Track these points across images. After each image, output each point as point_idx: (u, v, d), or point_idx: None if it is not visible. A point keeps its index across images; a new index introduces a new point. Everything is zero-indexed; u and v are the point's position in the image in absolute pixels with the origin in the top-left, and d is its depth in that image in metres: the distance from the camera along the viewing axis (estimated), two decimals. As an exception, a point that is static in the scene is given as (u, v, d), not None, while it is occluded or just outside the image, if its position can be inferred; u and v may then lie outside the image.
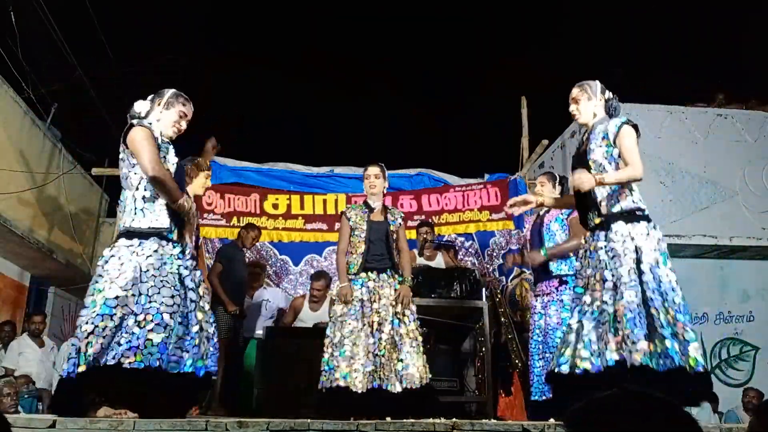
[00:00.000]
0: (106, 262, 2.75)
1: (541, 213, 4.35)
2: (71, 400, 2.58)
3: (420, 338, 3.78)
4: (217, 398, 4.84)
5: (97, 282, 2.72)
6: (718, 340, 6.65)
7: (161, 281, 2.72)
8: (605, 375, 2.73)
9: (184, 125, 3.05)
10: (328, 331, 3.78)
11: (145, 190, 2.85)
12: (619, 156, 2.98)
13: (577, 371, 2.87)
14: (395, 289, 3.82)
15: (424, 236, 5.38)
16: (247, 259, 5.71)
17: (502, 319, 5.10)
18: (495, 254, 6.32)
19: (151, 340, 2.60)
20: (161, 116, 2.99)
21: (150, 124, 2.93)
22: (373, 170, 4.02)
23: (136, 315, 2.63)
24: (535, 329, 4.15)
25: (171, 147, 3.01)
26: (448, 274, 4.90)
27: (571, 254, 3.99)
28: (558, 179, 4.30)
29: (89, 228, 8.30)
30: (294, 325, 5.34)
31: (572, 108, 3.18)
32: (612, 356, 2.74)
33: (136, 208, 2.83)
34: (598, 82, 3.18)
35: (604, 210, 3.02)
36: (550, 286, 4.10)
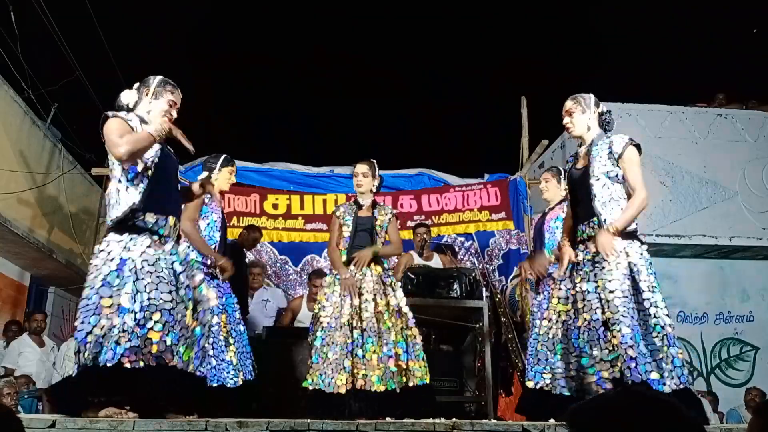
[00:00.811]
0: (97, 258, 2.69)
1: (546, 211, 4.34)
2: (70, 400, 2.57)
3: (411, 332, 3.70)
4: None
5: (89, 281, 2.68)
6: (718, 340, 6.65)
7: (158, 278, 2.68)
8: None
9: (174, 114, 2.95)
10: (310, 334, 3.74)
11: (128, 180, 2.76)
12: (623, 177, 3.01)
13: (560, 391, 2.96)
14: (382, 281, 3.75)
15: (423, 237, 5.38)
16: (247, 260, 5.70)
17: (502, 319, 5.09)
18: (495, 254, 6.31)
19: (151, 339, 2.58)
20: (150, 107, 2.89)
21: (125, 114, 2.82)
22: (361, 168, 3.95)
23: (135, 313, 2.60)
24: (533, 329, 4.15)
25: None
26: (447, 274, 4.89)
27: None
28: (562, 173, 4.27)
29: (89, 228, 8.28)
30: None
31: (566, 120, 3.19)
32: (604, 374, 2.77)
33: (125, 203, 2.74)
34: (592, 95, 3.19)
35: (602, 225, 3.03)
36: (544, 285, 4.11)
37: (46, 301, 8.44)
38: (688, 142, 6.78)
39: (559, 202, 4.25)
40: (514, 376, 5.02)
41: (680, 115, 6.89)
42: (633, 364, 2.71)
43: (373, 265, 3.79)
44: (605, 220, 2.98)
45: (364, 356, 3.53)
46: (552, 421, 2.75)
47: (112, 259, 2.66)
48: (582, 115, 3.13)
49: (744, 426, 2.89)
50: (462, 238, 6.39)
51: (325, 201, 6.50)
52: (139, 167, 2.78)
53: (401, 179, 6.74)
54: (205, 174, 4.05)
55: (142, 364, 2.55)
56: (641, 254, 2.94)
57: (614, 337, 2.79)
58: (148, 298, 2.63)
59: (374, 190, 4.01)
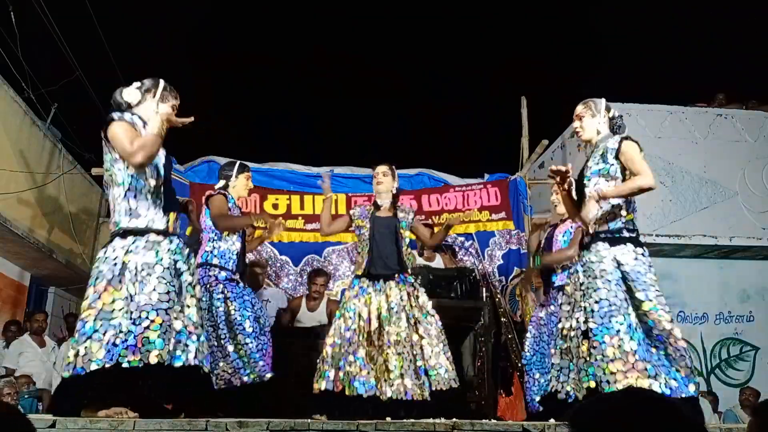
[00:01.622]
0: (102, 261, 2.73)
1: (557, 223, 4.34)
2: (70, 401, 2.57)
3: (437, 338, 3.66)
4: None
5: (92, 283, 2.71)
6: (718, 340, 6.65)
7: (156, 278, 2.69)
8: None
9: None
10: (327, 336, 3.75)
11: (131, 185, 2.78)
12: (624, 170, 2.97)
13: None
14: (407, 294, 3.70)
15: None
16: (247, 260, 5.70)
17: (502, 319, 5.10)
18: (495, 254, 6.32)
19: (148, 337, 2.59)
20: (158, 109, 2.90)
21: (129, 116, 2.83)
22: (381, 168, 3.97)
23: (131, 313, 2.61)
24: (530, 338, 4.20)
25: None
26: (448, 274, 4.89)
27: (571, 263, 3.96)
28: (573, 185, 4.27)
29: (89, 228, 8.29)
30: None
31: (576, 124, 3.18)
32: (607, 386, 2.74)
33: (130, 209, 2.77)
34: (603, 99, 3.17)
35: (591, 229, 3.01)
36: (551, 298, 4.13)
37: (46, 301, 8.44)
38: (688, 142, 6.78)
39: None
40: (514, 376, 5.03)
41: (680, 115, 6.89)
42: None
43: (399, 277, 3.77)
44: (594, 223, 2.99)
45: (381, 361, 3.53)
46: (552, 421, 2.75)
47: (115, 264, 2.70)
48: (592, 119, 3.13)
49: (742, 426, 2.90)
50: (462, 238, 6.39)
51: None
52: (147, 175, 2.81)
53: (401, 179, 6.66)
54: (222, 183, 4.09)
55: (140, 363, 2.55)
56: (636, 257, 2.88)
57: (593, 347, 2.77)
58: (146, 299, 2.65)
59: (394, 191, 4.00)
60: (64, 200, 7.50)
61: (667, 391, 2.67)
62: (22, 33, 6.59)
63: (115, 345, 2.56)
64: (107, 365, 2.53)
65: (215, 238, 3.89)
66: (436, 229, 6.23)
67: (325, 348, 3.69)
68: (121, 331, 2.58)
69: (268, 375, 3.79)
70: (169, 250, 2.80)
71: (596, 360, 2.75)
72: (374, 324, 3.62)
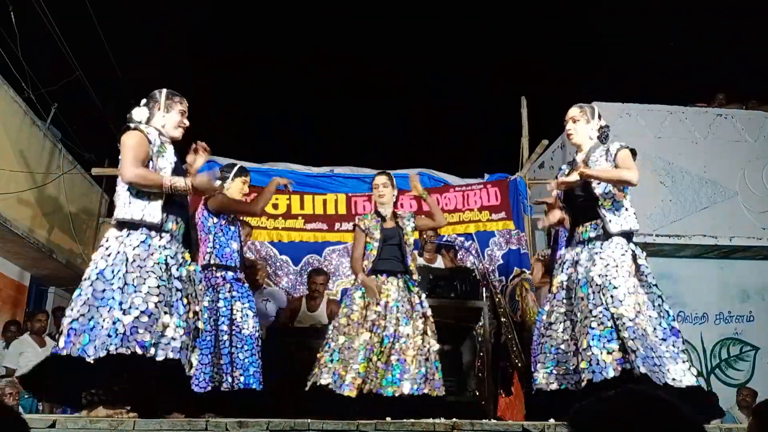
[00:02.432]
0: (97, 252, 2.82)
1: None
2: (51, 379, 2.62)
3: (429, 345, 3.72)
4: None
5: (86, 273, 2.78)
6: (718, 340, 6.65)
7: (147, 271, 2.74)
8: (606, 384, 2.77)
9: (186, 121, 3.10)
10: (328, 333, 3.77)
11: (137, 191, 2.87)
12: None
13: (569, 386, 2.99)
14: (409, 295, 3.77)
15: (425, 237, 5.38)
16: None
17: (502, 319, 5.09)
18: (495, 254, 6.31)
19: (136, 327, 2.62)
20: (165, 120, 3.02)
21: (145, 126, 2.94)
22: (380, 179, 4.02)
23: (121, 304, 2.65)
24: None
25: (170, 146, 3.01)
26: (448, 274, 4.90)
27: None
28: None
29: (89, 228, 8.29)
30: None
31: (569, 127, 3.25)
32: (613, 365, 2.78)
33: (129, 201, 2.85)
34: (596, 107, 3.28)
35: (606, 226, 3.07)
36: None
37: (46, 301, 8.45)
38: (688, 142, 6.78)
39: None
40: (514, 376, 5.02)
41: (680, 115, 6.90)
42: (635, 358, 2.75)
43: (401, 276, 3.83)
44: (610, 221, 3.02)
45: (379, 361, 3.55)
46: (552, 421, 2.75)
47: (109, 254, 2.76)
48: (586, 125, 3.21)
49: (741, 426, 2.91)
50: (462, 238, 6.39)
51: (325, 201, 6.50)
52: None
53: (401, 179, 6.71)
54: (218, 183, 4.10)
55: (128, 350, 2.57)
56: (645, 257, 3.05)
57: (619, 330, 2.82)
58: (135, 290, 2.68)
59: (394, 199, 4.02)
60: (64, 200, 7.51)
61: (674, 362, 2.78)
62: (22, 33, 6.59)
63: (103, 333, 2.60)
64: (93, 352, 2.56)
65: (213, 238, 3.90)
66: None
67: (326, 345, 3.70)
68: (110, 321, 2.62)
69: (256, 387, 3.75)
70: (161, 245, 2.83)
71: (606, 303, 2.84)
72: (378, 321, 3.67)
